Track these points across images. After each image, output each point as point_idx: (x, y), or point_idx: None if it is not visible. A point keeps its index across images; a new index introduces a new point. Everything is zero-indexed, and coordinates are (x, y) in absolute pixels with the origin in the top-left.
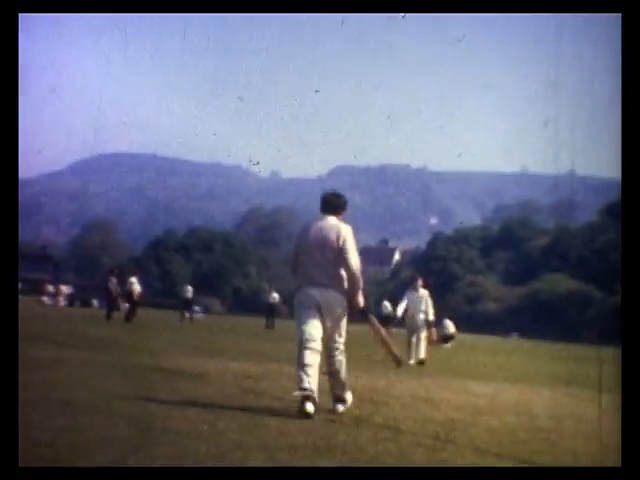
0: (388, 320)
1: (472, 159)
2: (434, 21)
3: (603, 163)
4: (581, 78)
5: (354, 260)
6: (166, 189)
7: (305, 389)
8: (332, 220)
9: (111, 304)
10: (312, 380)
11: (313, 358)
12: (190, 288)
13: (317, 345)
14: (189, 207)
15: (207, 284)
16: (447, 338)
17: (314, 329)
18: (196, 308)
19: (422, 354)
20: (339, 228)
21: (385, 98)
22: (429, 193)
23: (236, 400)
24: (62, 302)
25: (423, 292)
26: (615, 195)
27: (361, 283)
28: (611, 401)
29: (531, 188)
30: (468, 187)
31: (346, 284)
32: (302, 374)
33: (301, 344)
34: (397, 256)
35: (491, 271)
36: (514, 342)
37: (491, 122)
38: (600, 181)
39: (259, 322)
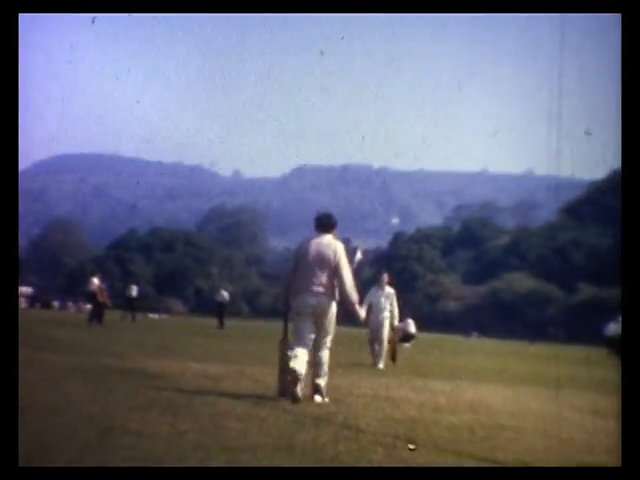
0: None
1: (433, 159)
2: (403, 20)
3: (578, 163)
4: (554, 78)
5: (347, 275)
6: (128, 189)
7: (295, 370)
8: (328, 238)
9: (98, 307)
10: (302, 367)
11: (304, 352)
12: (135, 287)
13: (309, 344)
14: (151, 207)
15: (169, 285)
16: (408, 337)
17: (308, 332)
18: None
19: (382, 360)
20: (335, 246)
21: (348, 98)
22: (390, 193)
23: (196, 401)
24: (22, 304)
25: (389, 290)
26: (574, 194)
27: (356, 295)
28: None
29: (492, 188)
30: (429, 187)
31: (337, 293)
32: (294, 362)
33: (296, 342)
34: (359, 255)
35: (452, 270)
36: (474, 341)
37: (453, 122)
38: (559, 180)
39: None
